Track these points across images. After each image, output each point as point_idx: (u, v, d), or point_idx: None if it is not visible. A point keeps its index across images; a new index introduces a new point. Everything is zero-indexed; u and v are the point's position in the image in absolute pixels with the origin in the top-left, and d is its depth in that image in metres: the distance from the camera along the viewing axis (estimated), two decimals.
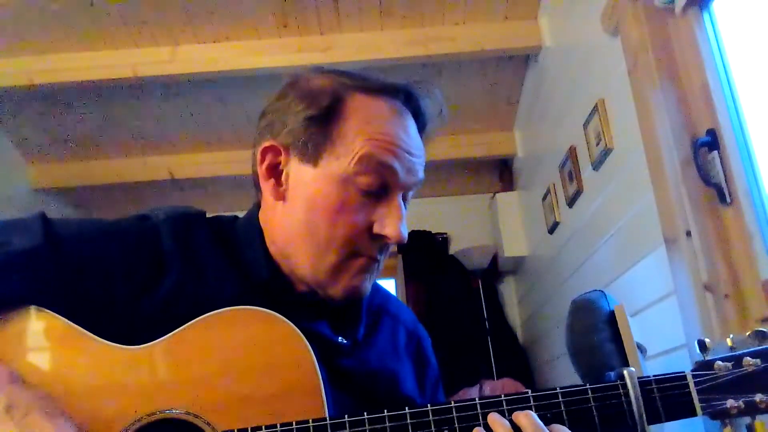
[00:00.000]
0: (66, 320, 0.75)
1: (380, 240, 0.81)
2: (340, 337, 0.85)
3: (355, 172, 0.78)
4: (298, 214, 0.81)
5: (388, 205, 0.80)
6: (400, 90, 0.85)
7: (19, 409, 0.68)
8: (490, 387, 3.06)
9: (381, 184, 0.79)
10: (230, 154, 3.39)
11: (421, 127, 0.87)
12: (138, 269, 0.79)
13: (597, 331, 1.54)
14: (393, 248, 0.86)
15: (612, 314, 1.54)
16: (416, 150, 0.83)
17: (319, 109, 0.80)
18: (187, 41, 2.68)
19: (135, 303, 0.77)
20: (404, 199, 0.83)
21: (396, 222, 0.79)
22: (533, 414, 0.71)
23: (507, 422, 0.70)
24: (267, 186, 0.84)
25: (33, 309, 0.76)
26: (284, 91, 0.85)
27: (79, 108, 3.02)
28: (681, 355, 1.56)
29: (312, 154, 0.80)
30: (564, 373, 2.71)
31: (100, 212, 3.73)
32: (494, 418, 0.71)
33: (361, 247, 0.80)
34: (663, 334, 1.64)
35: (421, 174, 0.84)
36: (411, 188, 0.83)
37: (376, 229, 0.80)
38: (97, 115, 3.09)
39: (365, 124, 0.80)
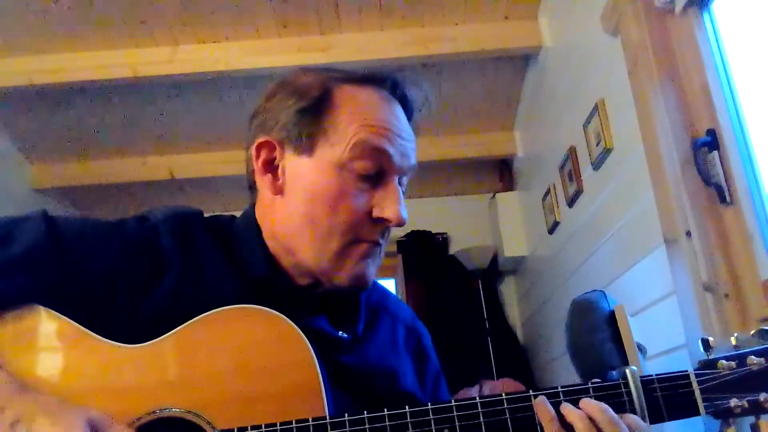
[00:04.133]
0: (67, 318, 0.76)
1: (381, 224, 0.82)
2: (340, 332, 0.85)
3: (350, 158, 0.79)
4: (297, 205, 0.82)
5: (386, 188, 0.81)
6: (385, 79, 0.86)
7: (24, 422, 0.67)
8: (489, 387, 3.06)
9: (377, 169, 0.81)
10: (230, 154, 3.38)
11: (409, 115, 0.88)
12: (138, 270, 0.79)
13: (597, 331, 1.54)
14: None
15: (612, 314, 1.54)
16: (407, 135, 0.84)
17: (309, 100, 0.82)
18: (187, 41, 2.68)
19: (135, 303, 0.78)
20: (400, 184, 0.84)
21: (395, 204, 0.81)
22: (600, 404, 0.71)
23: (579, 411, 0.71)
24: (264, 181, 0.85)
25: (35, 308, 0.76)
26: (273, 91, 0.86)
27: (79, 108, 3.02)
28: (681, 355, 1.56)
29: (306, 145, 0.81)
30: (564, 373, 2.71)
31: (100, 212, 3.73)
32: (567, 408, 0.72)
33: (363, 233, 0.81)
34: (663, 334, 1.64)
35: (413, 159, 0.85)
36: (406, 173, 0.84)
37: (376, 213, 0.81)
38: (97, 115, 3.09)
39: (356, 111, 0.81)
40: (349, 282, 0.82)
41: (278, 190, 0.84)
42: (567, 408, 0.72)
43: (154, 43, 2.67)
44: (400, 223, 0.81)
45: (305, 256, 0.82)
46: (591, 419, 0.70)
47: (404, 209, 0.81)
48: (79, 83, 2.72)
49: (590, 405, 0.71)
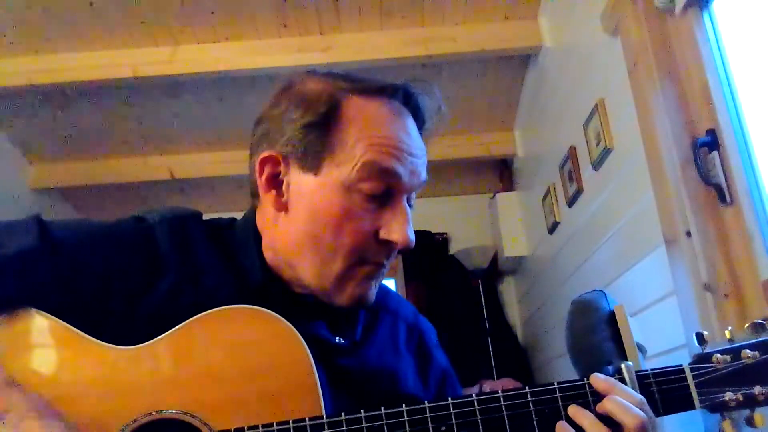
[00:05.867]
0: (62, 322, 0.75)
1: (387, 245, 0.80)
2: (338, 338, 0.84)
3: (358, 179, 0.77)
4: (301, 224, 0.80)
5: (394, 209, 0.79)
6: (397, 89, 0.83)
7: (13, 415, 0.67)
8: (489, 387, 3.06)
9: (385, 189, 0.78)
10: (230, 154, 3.38)
11: (421, 125, 0.85)
12: (134, 271, 0.79)
13: (597, 331, 1.54)
14: None
15: (612, 314, 1.54)
16: (418, 150, 0.81)
17: (316, 115, 0.78)
18: (187, 41, 2.68)
19: (131, 305, 0.77)
20: (408, 199, 0.82)
21: (403, 226, 0.78)
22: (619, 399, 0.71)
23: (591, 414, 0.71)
24: (268, 197, 0.82)
25: (29, 311, 0.75)
26: (278, 98, 0.83)
27: (79, 108, 3.02)
28: (681, 355, 1.56)
29: (312, 162, 0.79)
30: (564, 373, 2.70)
31: (100, 212, 3.73)
32: (576, 410, 0.72)
33: (368, 254, 0.79)
34: (663, 334, 1.64)
35: (424, 174, 0.82)
36: (415, 189, 0.82)
37: (383, 234, 0.79)
38: (97, 115, 3.09)
39: (365, 128, 0.78)
40: (349, 303, 0.81)
41: (282, 207, 0.81)
42: (574, 408, 0.72)
43: (154, 43, 2.67)
44: (408, 247, 0.79)
45: (306, 275, 0.80)
46: (605, 416, 0.70)
47: (412, 231, 0.79)
48: (79, 83, 2.72)
49: (604, 403, 0.72)
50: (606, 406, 0.71)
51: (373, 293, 0.83)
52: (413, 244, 0.79)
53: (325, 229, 0.78)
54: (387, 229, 0.78)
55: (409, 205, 0.82)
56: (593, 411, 0.72)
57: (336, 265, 0.79)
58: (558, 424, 0.72)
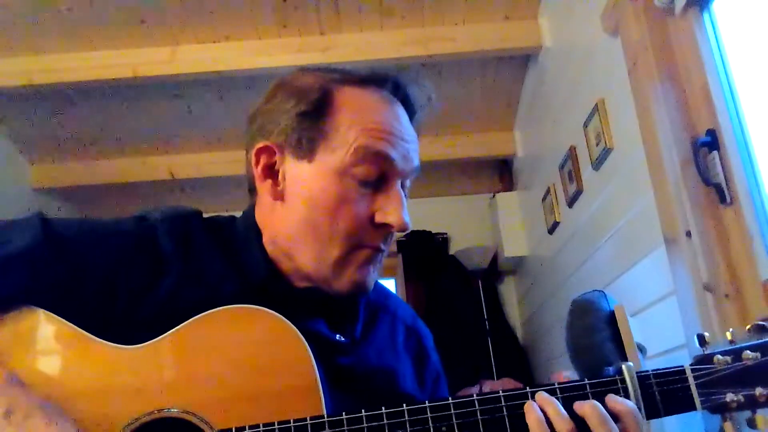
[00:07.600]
0: (64, 320, 0.75)
1: (383, 229, 0.81)
2: (338, 335, 0.85)
3: (351, 163, 0.78)
4: (298, 211, 0.81)
5: (388, 193, 0.80)
6: (387, 80, 0.85)
7: (18, 413, 0.68)
8: (489, 387, 3.06)
9: (379, 174, 0.80)
10: (230, 154, 3.39)
11: (411, 115, 0.87)
12: (136, 270, 0.79)
13: (597, 331, 1.54)
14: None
15: (612, 314, 1.54)
16: (409, 137, 0.83)
17: (309, 104, 0.80)
18: (187, 41, 2.68)
19: (133, 304, 0.77)
20: (402, 187, 0.83)
21: (398, 209, 0.79)
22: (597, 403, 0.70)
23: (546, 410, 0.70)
24: (264, 187, 0.83)
25: (32, 309, 0.75)
26: (272, 93, 0.85)
27: (79, 108, 3.02)
28: (681, 355, 1.56)
29: (306, 149, 0.80)
30: (564, 373, 2.70)
31: (100, 212, 3.73)
32: (543, 398, 0.71)
33: (365, 238, 0.80)
34: (663, 334, 1.64)
35: (416, 161, 0.84)
36: (408, 175, 0.83)
37: (378, 218, 0.80)
38: (97, 115, 3.09)
39: (357, 114, 0.80)
40: (349, 288, 0.82)
41: (279, 196, 0.83)
42: (549, 404, 0.71)
43: (154, 43, 2.67)
44: (403, 229, 0.80)
45: (305, 262, 0.81)
46: (582, 420, 0.69)
47: (407, 214, 0.80)
48: (79, 83, 2.72)
49: (582, 405, 0.70)
50: (584, 408, 0.70)
51: (371, 279, 0.83)
52: (409, 227, 0.81)
53: (321, 215, 0.79)
54: (382, 212, 0.80)
55: (405, 194, 0.83)
56: (571, 408, 0.70)
57: (334, 251, 0.79)
58: (526, 403, 0.71)
